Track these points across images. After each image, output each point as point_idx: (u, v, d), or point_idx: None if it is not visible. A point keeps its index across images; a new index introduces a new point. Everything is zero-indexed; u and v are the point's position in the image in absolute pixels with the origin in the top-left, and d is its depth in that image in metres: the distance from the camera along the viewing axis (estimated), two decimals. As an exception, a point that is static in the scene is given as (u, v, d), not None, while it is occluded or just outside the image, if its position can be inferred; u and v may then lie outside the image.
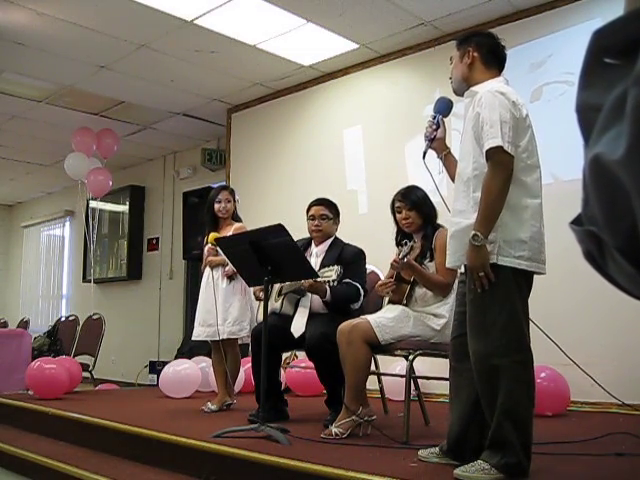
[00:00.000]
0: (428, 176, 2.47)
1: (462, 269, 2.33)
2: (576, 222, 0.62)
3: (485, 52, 2.27)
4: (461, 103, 2.47)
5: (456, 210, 2.20)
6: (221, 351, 3.95)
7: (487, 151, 2.06)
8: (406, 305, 2.98)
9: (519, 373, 2.10)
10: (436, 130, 2.41)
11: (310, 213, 3.61)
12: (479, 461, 2.10)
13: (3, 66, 5.61)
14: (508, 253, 2.08)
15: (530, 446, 2.11)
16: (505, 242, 2.08)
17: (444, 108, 2.45)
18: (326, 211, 3.59)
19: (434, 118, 2.43)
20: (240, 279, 3.86)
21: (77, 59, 5.42)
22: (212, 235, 3.79)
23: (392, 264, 2.93)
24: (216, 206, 3.96)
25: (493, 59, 2.28)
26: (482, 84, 2.22)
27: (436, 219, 3.10)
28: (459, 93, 2.35)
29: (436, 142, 2.41)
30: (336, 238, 3.63)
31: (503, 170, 2.05)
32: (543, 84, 4.32)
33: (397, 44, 5.14)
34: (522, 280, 2.14)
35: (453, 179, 2.40)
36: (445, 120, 2.50)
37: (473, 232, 2.05)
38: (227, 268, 3.89)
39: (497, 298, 2.09)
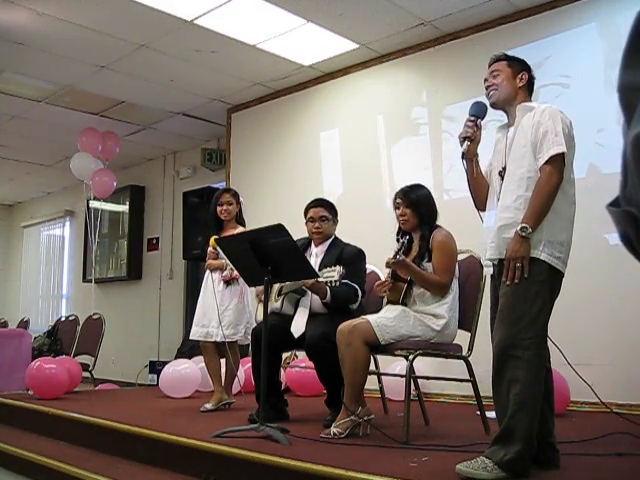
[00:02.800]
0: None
1: (491, 270, 2.41)
2: (613, 204, 0.60)
3: (530, 79, 2.47)
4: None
5: (503, 206, 2.33)
6: (212, 351, 4.02)
7: (552, 156, 2.22)
8: (405, 304, 2.99)
9: (538, 368, 2.18)
10: (478, 132, 2.49)
11: (309, 215, 3.60)
12: (482, 458, 2.12)
13: (3, 66, 5.61)
14: (551, 252, 2.22)
15: (533, 445, 2.14)
16: (549, 242, 2.22)
17: (484, 112, 2.51)
18: (325, 212, 3.58)
19: (474, 120, 2.48)
20: (239, 283, 3.91)
21: (77, 59, 5.42)
22: (212, 239, 3.82)
23: (386, 263, 2.93)
24: (218, 209, 4.00)
25: (532, 87, 2.49)
26: (531, 103, 2.41)
27: (435, 220, 3.09)
28: (498, 105, 2.45)
29: (473, 144, 2.48)
30: (336, 238, 3.62)
31: (559, 175, 2.23)
32: (540, 86, 4.30)
33: (397, 44, 5.14)
34: (556, 280, 2.27)
35: (471, 184, 2.51)
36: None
37: (522, 224, 2.18)
38: (224, 273, 3.93)
39: (532, 292, 2.19)
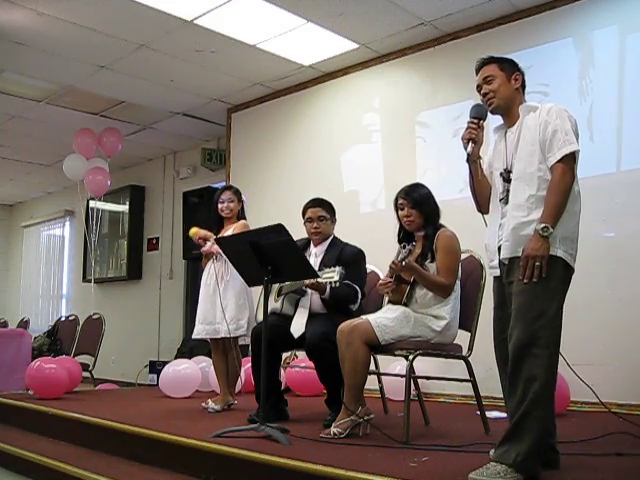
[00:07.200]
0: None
1: (497, 272, 2.39)
2: None
3: (523, 79, 2.49)
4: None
5: (515, 205, 2.32)
6: (220, 350, 3.97)
7: (565, 155, 2.22)
8: (406, 305, 2.98)
9: (554, 367, 2.17)
10: (480, 133, 2.48)
11: (307, 216, 3.58)
12: (492, 463, 2.09)
13: (3, 66, 5.61)
14: (565, 249, 2.23)
15: (543, 446, 2.13)
16: (563, 238, 2.23)
17: (485, 114, 2.50)
18: (323, 212, 3.57)
19: (477, 122, 2.47)
20: (237, 277, 3.86)
21: (77, 59, 5.43)
22: (192, 230, 3.95)
23: (391, 266, 2.92)
24: (219, 206, 3.99)
25: (524, 85, 2.51)
26: (533, 103, 2.42)
27: (438, 219, 3.09)
28: (499, 110, 2.45)
29: (476, 146, 2.48)
30: (335, 238, 3.62)
31: (572, 173, 2.24)
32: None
33: (397, 44, 5.14)
34: (569, 277, 2.28)
35: (475, 187, 2.49)
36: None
37: (543, 224, 2.18)
38: (206, 246, 3.91)
39: (549, 289, 2.18)
